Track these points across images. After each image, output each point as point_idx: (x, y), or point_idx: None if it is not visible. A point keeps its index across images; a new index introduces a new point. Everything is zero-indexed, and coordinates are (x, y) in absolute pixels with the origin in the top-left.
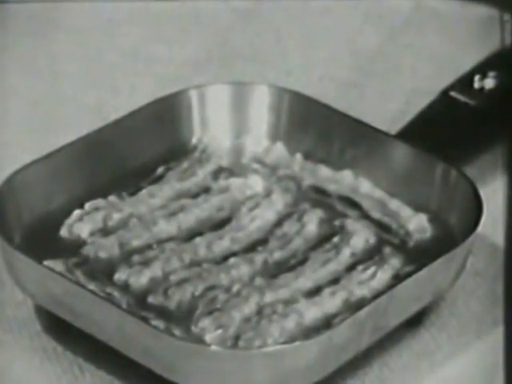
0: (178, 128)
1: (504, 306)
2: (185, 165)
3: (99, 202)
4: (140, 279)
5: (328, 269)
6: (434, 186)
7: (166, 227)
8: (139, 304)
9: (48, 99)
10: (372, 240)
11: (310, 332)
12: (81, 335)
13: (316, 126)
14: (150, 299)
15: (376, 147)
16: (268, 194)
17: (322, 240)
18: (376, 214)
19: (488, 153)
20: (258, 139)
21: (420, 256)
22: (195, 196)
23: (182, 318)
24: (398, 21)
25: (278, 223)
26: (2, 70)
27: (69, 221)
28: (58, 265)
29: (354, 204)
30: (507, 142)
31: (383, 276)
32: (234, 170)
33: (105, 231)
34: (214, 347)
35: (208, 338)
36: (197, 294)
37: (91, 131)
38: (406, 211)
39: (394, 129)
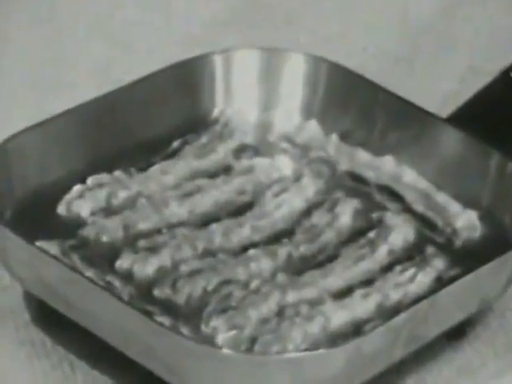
0: (199, 97)
1: None
2: (203, 139)
3: (103, 177)
4: (145, 268)
5: (361, 267)
6: (487, 179)
7: (178, 210)
8: (143, 296)
9: (50, 57)
10: (413, 237)
11: (336, 338)
12: (74, 328)
13: (356, 103)
14: (156, 292)
15: (423, 131)
16: (297, 178)
17: (355, 234)
18: (419, 208)
19: None
20: (289, 115)
21: (467, 258)
22: (213, 176)
23: (191, 315)
24: None
25: (307, 212)
26: (2, 20)
27: (68, 197)
28: (52, 247)
29: (394, 195)
30: None
31: (424, 279)
32: (260, 148)
33: (108, 211)
34: (225, 350)
35: (220, 339)
36: (209, 288)
37: (98, 95)
38: (453, 206)
39: (445, 112)
